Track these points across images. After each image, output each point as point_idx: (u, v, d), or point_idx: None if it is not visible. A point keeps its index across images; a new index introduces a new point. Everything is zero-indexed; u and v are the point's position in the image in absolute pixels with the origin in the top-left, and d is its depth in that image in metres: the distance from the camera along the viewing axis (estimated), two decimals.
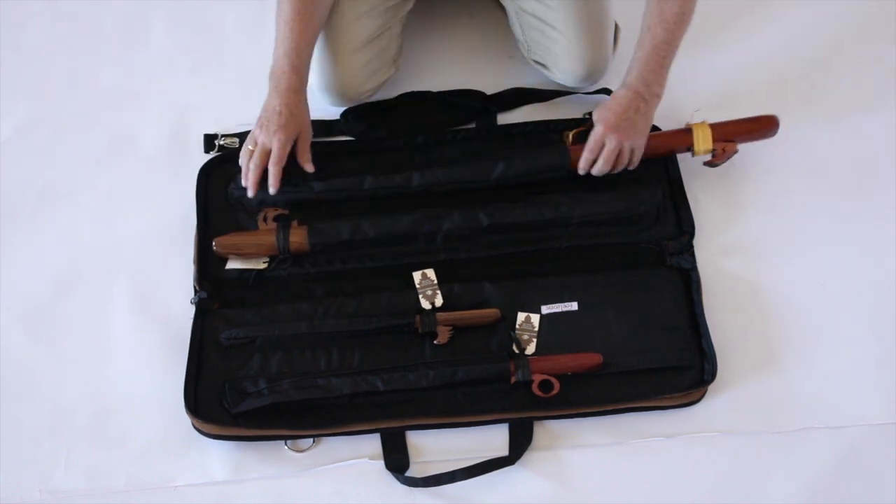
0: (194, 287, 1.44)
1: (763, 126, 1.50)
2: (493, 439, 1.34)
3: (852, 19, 1.75)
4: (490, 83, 1.66)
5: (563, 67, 1.58)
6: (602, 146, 1.43)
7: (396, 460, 1.33)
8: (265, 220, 1.47)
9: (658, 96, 1.43)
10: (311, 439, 1.35)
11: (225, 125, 1.61)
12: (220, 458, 1.34)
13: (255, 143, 1.42)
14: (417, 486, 1.30)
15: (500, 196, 1.48)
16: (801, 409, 1.36)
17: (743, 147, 1.53)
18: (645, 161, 1.48)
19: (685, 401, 1.36)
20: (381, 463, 1.33)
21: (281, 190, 1.44)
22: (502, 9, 1.65)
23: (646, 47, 1.41)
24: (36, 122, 1.68)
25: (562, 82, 1.61)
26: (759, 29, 1.74)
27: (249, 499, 1.32)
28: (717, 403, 1.36)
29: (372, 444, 1.34)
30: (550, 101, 1.64)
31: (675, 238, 1.47)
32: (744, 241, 1.50)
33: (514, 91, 1.65)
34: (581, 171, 1.46)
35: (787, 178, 1.56)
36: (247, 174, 1.43)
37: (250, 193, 1.44)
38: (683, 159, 1.53)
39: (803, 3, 1.77)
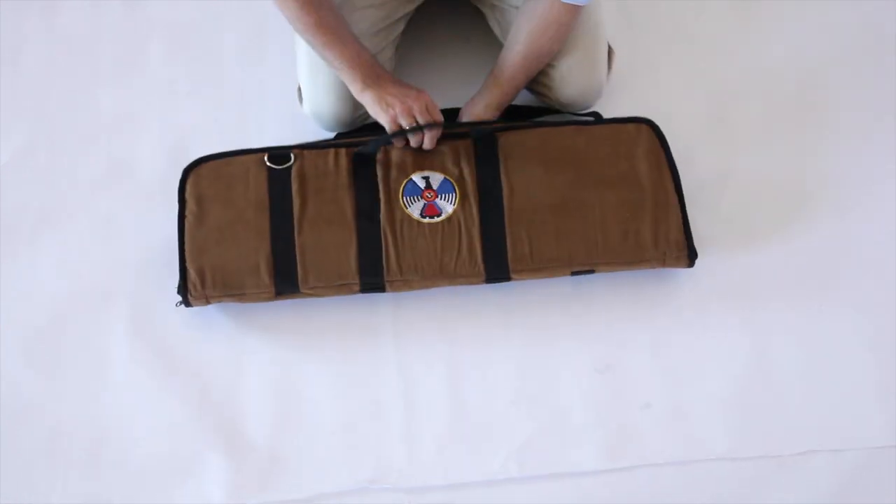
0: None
1: None
2: None
3: (851, 36, 1.74)
4: None
5: (555, 97, 1.58)
6: None
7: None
8: None
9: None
10: None
11: (223, 149, 1.61)
12: (218, 481, 1.34)
13: (408, 114, 1.41)
14: None
15: None
16: (802, 432, 1.35)
17: (743, 167, 1.52)
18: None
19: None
20: None
21: None
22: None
23: (519, 70, 1.50)
24: (34, 146, 1.68)
25: (556, 108, 1.61)
26: (756, 48, 1.74)
27: None
28: (715, 427, 1.36)
29: None
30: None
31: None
32: (744, 267, 1.49)
33: (506, 108, 1.64)
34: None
35: (783, 199, 1.55)
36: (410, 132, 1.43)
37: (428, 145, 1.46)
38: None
39: (799, 20, 1.77)
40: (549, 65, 1.55)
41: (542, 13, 1.44)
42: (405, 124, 1.41)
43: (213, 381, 1.44)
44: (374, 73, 1.43)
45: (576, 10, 1.44)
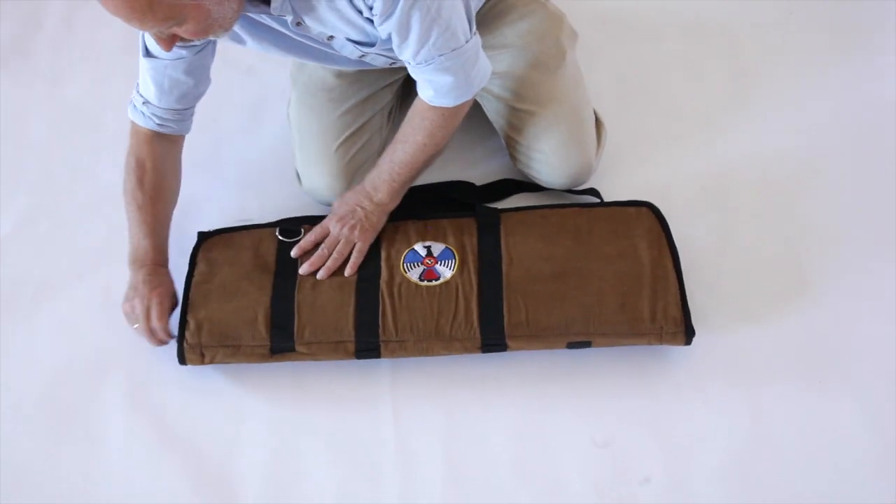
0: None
1: None
2: None
3: (849, 115, 1.76)
4: (480, 175, 1.68)
5: (545, 180, 1.61)
6: (326, 233, 1.50)
7: None
8: None
9: (382, 205, 1.50)
10: None
11: (225, 220, 1.62)
12: None
13: (135, 313, 1.46)
14: None
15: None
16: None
17: (741, 244, 1.54)
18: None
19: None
20: None
21: None
22: None
23: (387, 158, 1.49)
24: (35, 217, 1.70)
25: (548, 186, 1.63)
26: (754, 125, 1.76)
27: None
28: (717, 497, 1.35)
29: None
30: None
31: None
32: (742, 344, 1.49)
33: (503, 182, 1.66)
34: (294, 254, 1.50)
35: (781, 276, 1.56)
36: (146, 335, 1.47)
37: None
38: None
39: (796, 98, 1.79)
40: (535, 159, 1.58)
41: (414, 105, 1.47)
42: (129, 313, 1.47)
43: (210, 450, 1.44)
44: (141, 260, 1.48)
45: (438, 110, 1.43)
